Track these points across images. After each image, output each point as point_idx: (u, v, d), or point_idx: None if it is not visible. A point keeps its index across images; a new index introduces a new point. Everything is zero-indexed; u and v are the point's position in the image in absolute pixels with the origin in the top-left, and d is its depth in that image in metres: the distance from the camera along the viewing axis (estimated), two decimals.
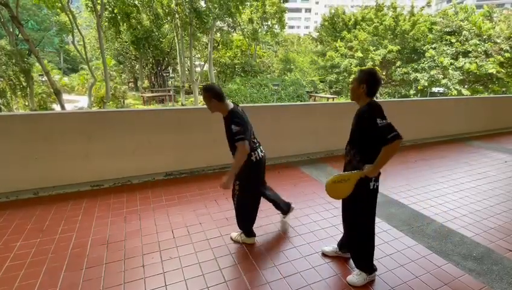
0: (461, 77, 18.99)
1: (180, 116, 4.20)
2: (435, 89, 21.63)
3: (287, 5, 26.17)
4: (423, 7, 22.22)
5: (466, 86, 19.74)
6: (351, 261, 2.44)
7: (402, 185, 4.18)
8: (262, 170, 2.63)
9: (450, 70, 19.00)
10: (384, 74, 22.02)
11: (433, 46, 20.22)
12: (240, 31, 27.13)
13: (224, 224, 3.04)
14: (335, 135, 5.21)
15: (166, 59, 29.01)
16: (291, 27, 56.31)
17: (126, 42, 24.97)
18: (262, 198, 2.73)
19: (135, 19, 22.00)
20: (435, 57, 19.59)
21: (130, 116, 3.98)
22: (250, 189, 2.57)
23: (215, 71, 28.01)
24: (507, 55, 17.62)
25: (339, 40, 23.72)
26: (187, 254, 2.57)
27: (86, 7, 19.00)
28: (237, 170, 2.33)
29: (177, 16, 21.00)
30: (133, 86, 31.57)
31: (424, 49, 20.45)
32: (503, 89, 19.43)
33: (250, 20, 25.95)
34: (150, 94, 24.51)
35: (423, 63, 20.23)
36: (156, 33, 23.90)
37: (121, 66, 29.19)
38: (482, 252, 2.70)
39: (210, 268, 2.40)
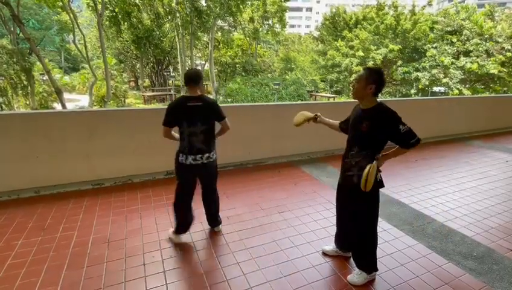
0: (462, 77, 18.96)
1: None
2: (435, 89, 21.61)
3: (288, 4, 26.11)
4: (424, 6, 22.20)
5: (467, 86, 19.71)
6: (351, 260, 2.44)
7: (402, 185, 4.18)
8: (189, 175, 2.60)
9: (451, 70, 18.97)
10: (385, 73, 21.99)
11: (434, 45, 20.19)
12: (241, 30, 27.09)
13: (224, 223, 3.05)
14: (336, 134, 5.14)
15: (167, 58, 28.98)
16: (292, 26, 56.22)
17: (127, 41, 24.95)
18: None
19: (136, 18, 22.00)
20: (436, 57, 19.56)
21: (130, 115, 3.99)
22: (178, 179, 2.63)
23: (216, 70, 27.98)
24: (508, 54, 17.58)
25: (339, 39, 23.70)
26: (188, 253, 2.57)
27: (87, 6, 19.01)
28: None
29: (177, 15, 21.00)
30: (133, 85, 31.57)
31: (425, 48, 20.44)
32: (505, 89, 19.38)
33: (251, 19, 25.90)
34: (151, 93, 24.50)
35: (424, 62, 20.20)
36: (157, 32, 23.88)
37: (122, 65, 29.15)
38: (483, 251, 2.70)
39: (210, 267, 2.40)
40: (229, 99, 20.58)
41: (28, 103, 17.65)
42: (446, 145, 6.49)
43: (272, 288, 2.20)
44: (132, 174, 4.04)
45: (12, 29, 17.07)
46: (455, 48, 19.41)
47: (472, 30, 18.98)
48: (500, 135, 7.57)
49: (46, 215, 3.12)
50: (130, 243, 2.69)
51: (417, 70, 20.37)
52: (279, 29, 27.93)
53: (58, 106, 18.08)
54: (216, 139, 2.67)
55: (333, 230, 2.97)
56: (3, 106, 15.84)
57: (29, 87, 16.61)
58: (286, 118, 5.04)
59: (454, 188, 4.15)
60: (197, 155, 2.49)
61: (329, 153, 5.45)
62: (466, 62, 18.61)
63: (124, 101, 22.69)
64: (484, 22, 18.78)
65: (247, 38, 27.78)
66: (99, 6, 16.27)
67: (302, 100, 22.05)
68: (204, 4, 20.95)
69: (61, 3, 15.84)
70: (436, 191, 4.00)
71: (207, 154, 2.54)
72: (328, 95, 23.47)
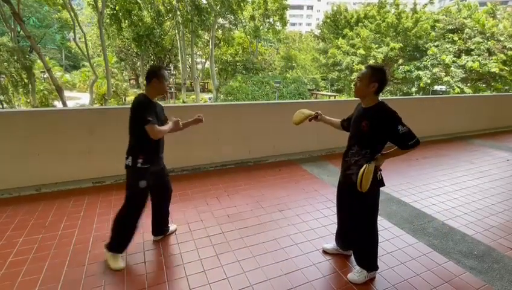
0: (463, 75, 18.89)
1: (181, 113, 4.19)
2: (437, 87, 21.54)
3: (288, 2, 26.03)
4: (426, 4, 22.10)
5: (468, 84, 19.64)
6: (352, 258, 2.45)
7: (403, 183, 4.18)
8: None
9: (452, 68, 18.90)
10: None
11: (435, 43, 20.11)
12: (242, 28, 27.03)
13: (225, 221, 3.05)
14: (336, 132, 5.12)
15: (168, 56, 28.97)
16: (293, 24, 56.00)
17: (127, 39, 24.91)
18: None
19: (137, 16, 21.95)
20: (437, 55, 19.49)
21: None
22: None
23: (217, 68, 27.95)
24: (510, 53, 17.50)
25: (340, 37, 23.64)
26: (188, 251, 2.58)
27: (88, 4, 18.99)
28: None
29: (178, 13, 20.97)
30: (134, 83, 31.59)
31: (426, 46, 20.35)
32: (506, 87, 19.32)
33: (252, 17, 25.83)
34: None
35: (425, 60, 20.13)
36: (158, 30, 23.83)
37: (123, 63, 29.16)
38: (483, 250, 2.70)
39: (212, 265, 2.41)
40: (229, 98, 20.56)
41: (28, 100, 17.68)
42: (447, 143, 6.48)
43: (273, 286, 2.20)
44: None
45: (13, 27, 17.05)
46: (456, 47, 19.32)
47: (474, 28, 18.88)
48: (502, 134, 7.56)
49: (48, 213, 3.13)
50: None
51: (418, 68, 20.30)
52: (280, 27, 27.86)
53: (59, 104, 18.11)
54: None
55: (334, 228, 2.97)
56: (5, 104, 15.86)
57: (30, 85, 16.64)
58: (287, 116, 5.05)
59: (455, 186, 4.14)
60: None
61: (330, 152, 5.44)
62: (467, 61, 18.53)
63: (125, 99, 22.72)
64: (486, 20, 18.68)
65: (248, 37, 27.71)
66: (99, 4, 16.25)
67: (303, 98, 22.01)
68: (204, 2, 20.91)
69: (61, 1, 15.84)
70: (436, 190, 4.00)
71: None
72: (329, 93, 23.45)
